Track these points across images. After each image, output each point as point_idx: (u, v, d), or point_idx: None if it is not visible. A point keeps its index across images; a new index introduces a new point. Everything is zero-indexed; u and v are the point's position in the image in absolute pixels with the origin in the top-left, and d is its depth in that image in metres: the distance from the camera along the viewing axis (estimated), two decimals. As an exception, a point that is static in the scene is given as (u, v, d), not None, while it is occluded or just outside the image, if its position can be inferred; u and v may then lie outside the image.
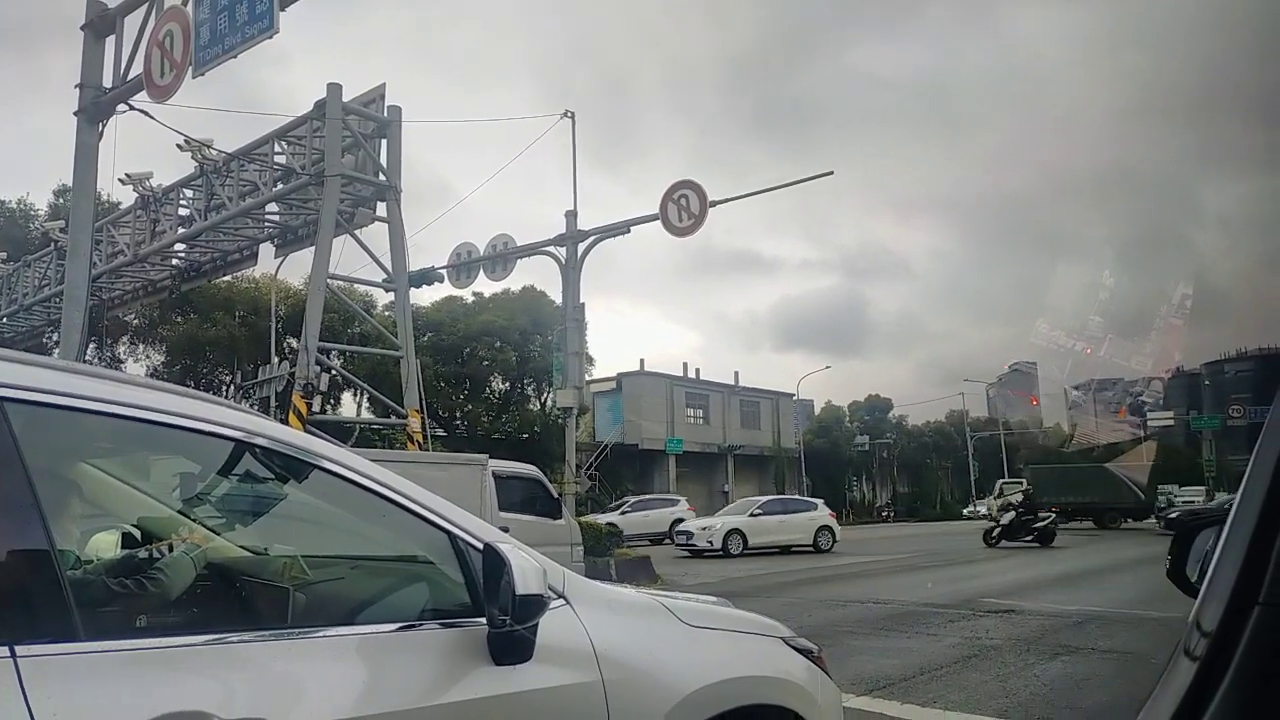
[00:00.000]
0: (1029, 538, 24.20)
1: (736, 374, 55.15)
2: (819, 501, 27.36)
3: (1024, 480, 40.80)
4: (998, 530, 24.79)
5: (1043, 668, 7.43)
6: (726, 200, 20.83)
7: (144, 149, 20.21)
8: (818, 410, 65.43)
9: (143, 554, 2.07)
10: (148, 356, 36.82)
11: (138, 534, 2.19)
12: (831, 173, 22.63)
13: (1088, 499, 39.47)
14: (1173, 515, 31.92)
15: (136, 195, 20.03)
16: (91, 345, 31.46)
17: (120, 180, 19.09)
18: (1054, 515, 25.87)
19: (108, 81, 15.30)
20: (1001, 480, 44.06)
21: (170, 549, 2.04)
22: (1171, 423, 63.04)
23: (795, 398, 57.93)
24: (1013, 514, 24.87)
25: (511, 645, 2.03)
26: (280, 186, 18.50)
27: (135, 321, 34.65)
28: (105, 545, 2.21)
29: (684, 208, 20.36)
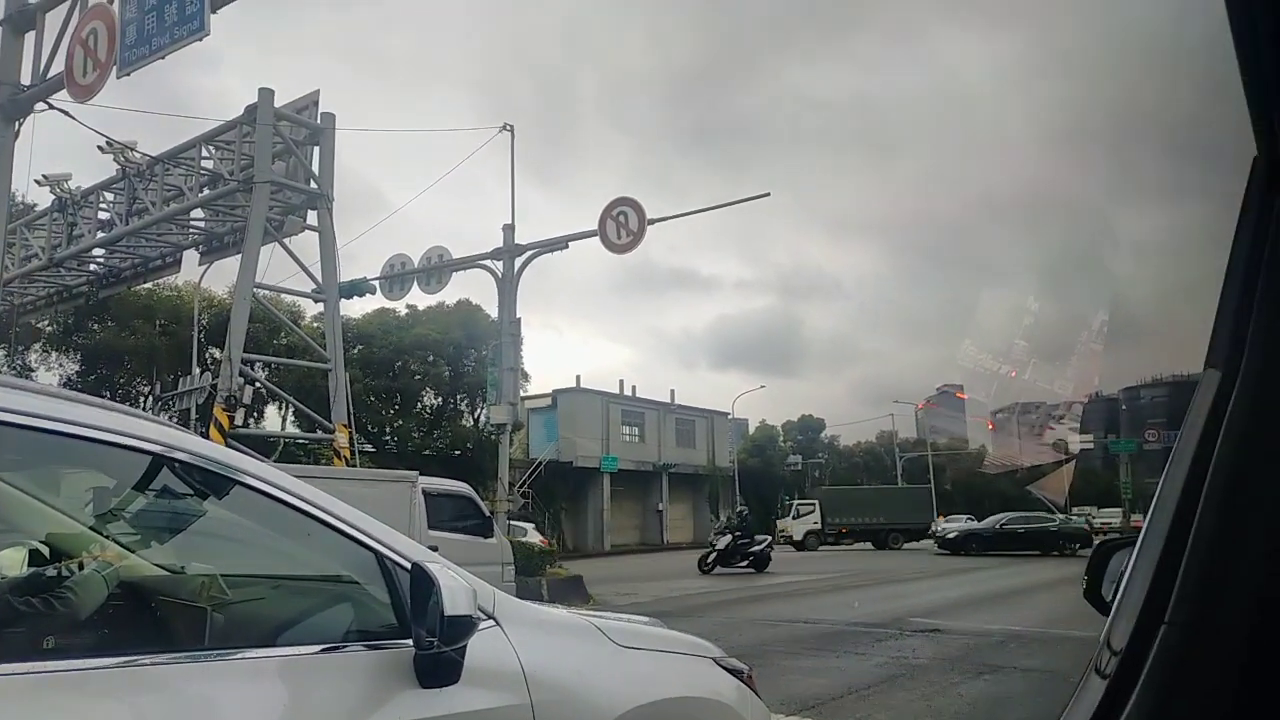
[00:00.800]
0: (744, 563, 23.13)
1: (673, 392, 55.47)
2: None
3: (816, 501, 42.26)
4: (713, 555, 23.72)
5: (967, 686, 7.59)
6: (666, 218, 21.00)
7: (63, 149, 19.47)
8: (752, 429, 66.08)
9: (51, 572, 1.98)
10: (61, 365, 35.38)
11: (46, 551, 2.10)
12: (769, 194, 22.88)
13: (875, 519, 41.48)
14: (950, 536, 33.59)
15: (54, 197, 19.28)
16: (1, 353, 30.14)
17: (37, 181, 18.36)
18: (769, 540, 25.24)
19: (26, 79, 14.75)
20: (797, 500, 44.49)
21: (81, 567, 1.96)
22: (1091, 446, 65.32)
23: (730, 416, 58.41)
24: (729, 539, 23.55)
25: (439, 667, 2.00)
26: (207, 192, 18.02)
27: (49, 328, 33.26)
28: (11, 562, 2.10)
29: (623, 225, 20.43)
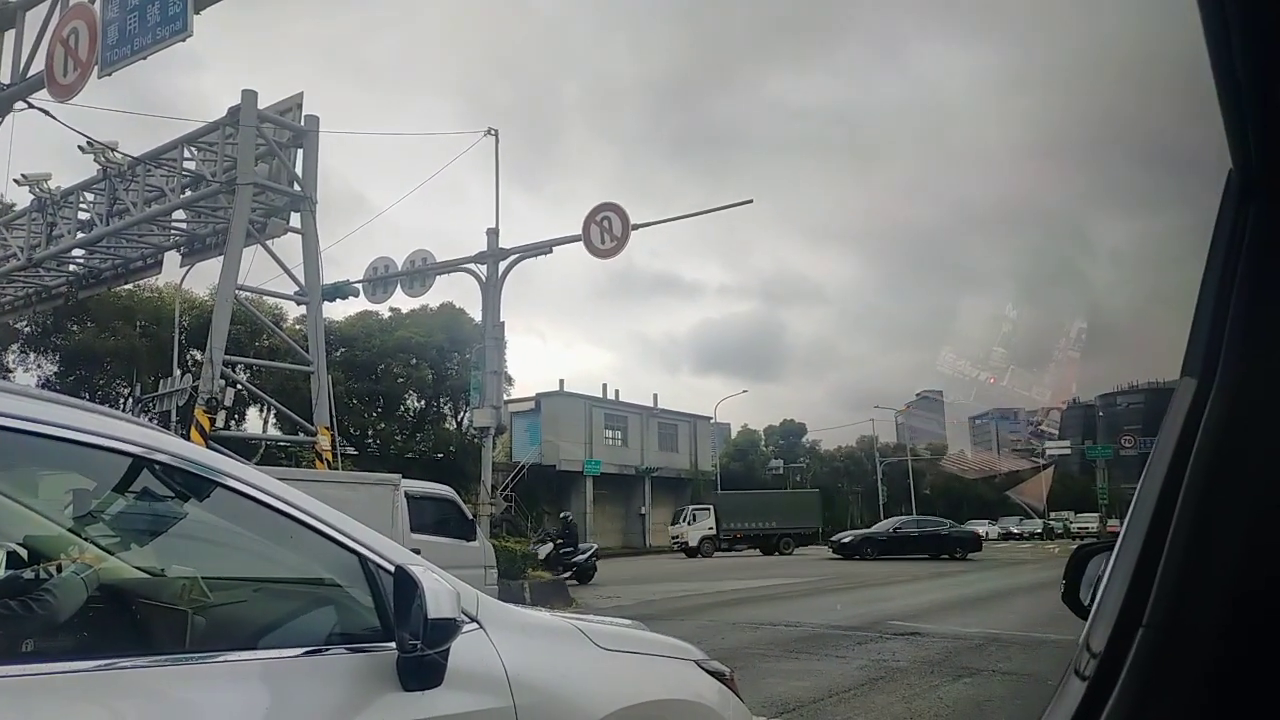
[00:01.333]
0: (566, 574, 21.24)
1: (655, 396, 55.45)
2: None
3: (711, 506, 41.33)
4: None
5: (946, 689, 7.63)
6: (649, 224, 21.05)
7: (43, 149, 19.30)
8: (734, 434, 66.24)
9: (29, 574, 1.97)
10: (39, 366, 34.99)
11: (24, 553, 2.08)
12: (751, 200, 23.03)
13: (768, 524, 41.19)
14: (845, 540, 33.78)
15: (33, 197, 19.09)
16: (-23, 353, 29.79)
17: (16, 181, 18.20)
18: (594, 549, 24.19)
19: (5, 78, 14.60)
20: (692, 506, 42.23)
21: (59, 569, 1.94)
22: (1068, 452, 65.87)
23: (713, 421, 58.51)
24: (550, 547, 22.23)
25: (422, 670, 1.99)
26: (189, 193, 17.89)
27: (27, 329, 32.92)
28: (-12, 565, 2.09)
29: (606, 230, 20.46)
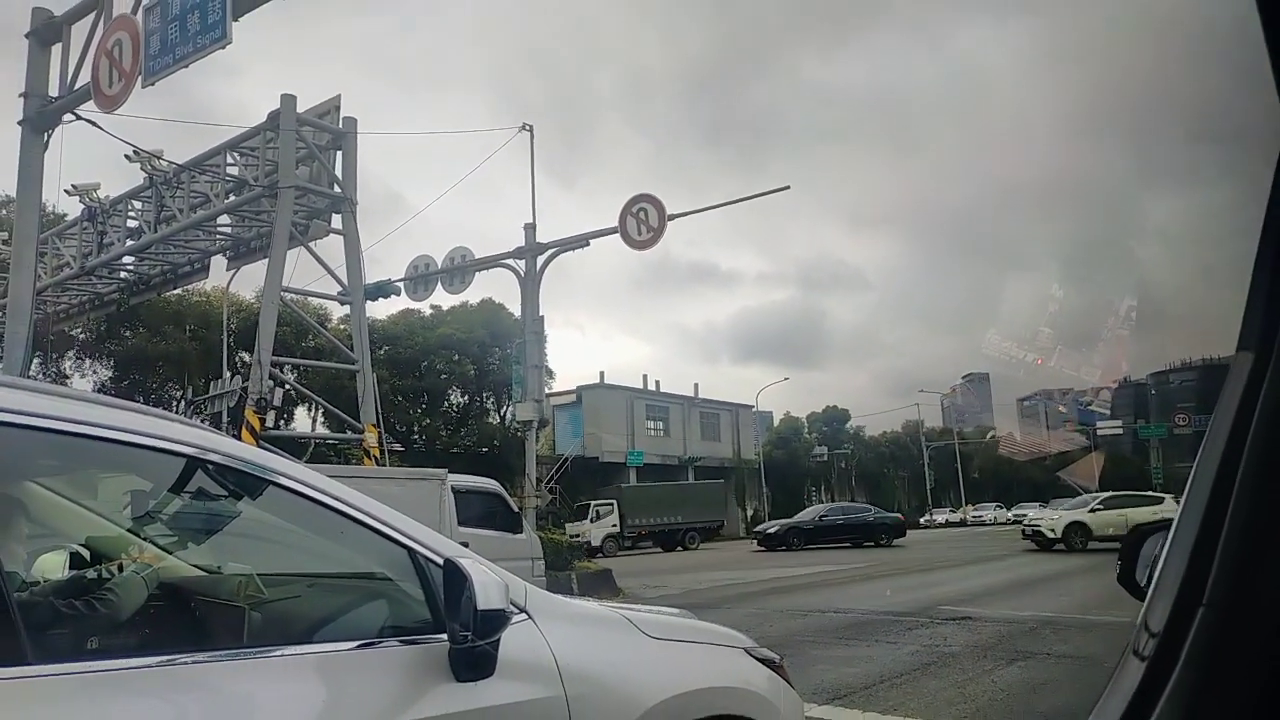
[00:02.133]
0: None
1: (696, 386, 55.45)
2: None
3: (614, 502, 37.87)
4: None
5: (1000, 674, 7.53)
6: (685, 214, 20.96)
7: (91, 160, 19.76)
8: (776, 422, 65.94)
9: (92, 574, 2.02)
10: (95, 372, 36.02)
11: (86, 554, 2.14)
12: (788, 187, 22.87)
13: (673, 519, 38.93)
14: (771, 531, 32.67)
15: (83, 207, 19.57)
16: (36, 360, 30.64)
17: (66, 191, 18.67)
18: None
19: (54, 91, 14.97)
20: (595, 502, 37.67)
21: (120, 569, 2.00)
22: (1120, 431, 64.55)
23: (754, 409, 58.32)
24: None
25: (473, 661, 2.02)
26: (232, 198, 18.22)
27: (82, 336, 33.83)
28: (53, 566, 2.15)
29: (643, 221, 20.43)
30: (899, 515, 36.30)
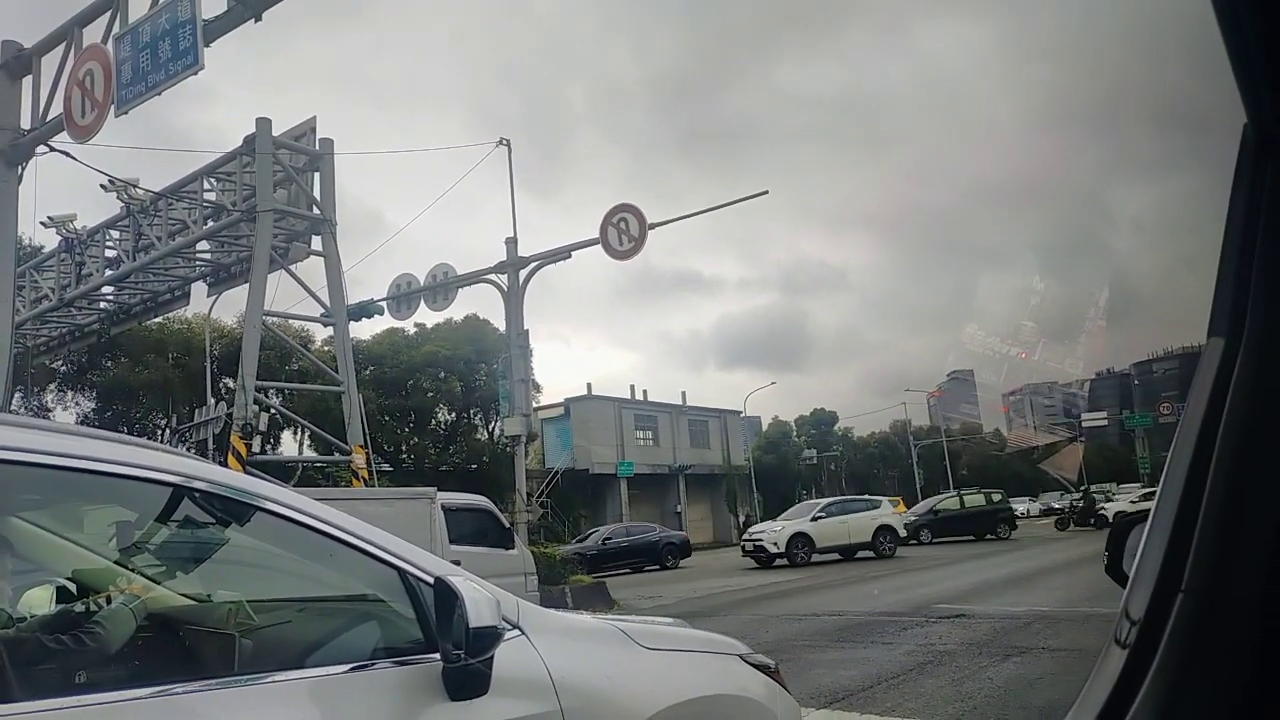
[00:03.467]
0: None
1: (684, 394, 55.40)
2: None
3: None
4: None
5: (995, 670, 7.56)
6: (666, 222, 21.00)
7: (67, 191, 19.65)
8: (765, 426, 66.00)
9: (79, 608, 2.00)
10: (77, 403, 35.68)
11: (73, 588, 2.12)
12: (767, 192, 22.93)
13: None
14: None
15: (60, 238, 19.43)
16: (17, 395, 30.33)
17: (42, 223, 18.50)
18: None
19: (26, 123, 14.88)
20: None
21: (108, 601, 1.98)
22: (1105, 423, 64.96)
23: (742, 415, 58.33)
24: None
25: (467, 679, 2.01)
26: (211, 224, 18.14)
27: (63, 368, 33.55)
28: (39, 601, 2.13)
29: (624, 231, 20.46)
30: (685, 535, 33.35)
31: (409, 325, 36.79)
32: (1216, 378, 0.84)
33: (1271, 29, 0.75)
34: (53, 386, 34.55)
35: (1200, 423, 0.84)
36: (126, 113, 13.20)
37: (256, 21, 12.43)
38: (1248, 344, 0.82)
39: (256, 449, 16.62)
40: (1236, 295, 0.85)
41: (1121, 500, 34.43)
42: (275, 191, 17.16)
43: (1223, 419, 0.82)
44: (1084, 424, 54.76)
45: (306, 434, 32.08)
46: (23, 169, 14.99)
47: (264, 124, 16.85)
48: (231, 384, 24.80)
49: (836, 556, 24.34)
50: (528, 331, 21.82)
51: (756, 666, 3.00)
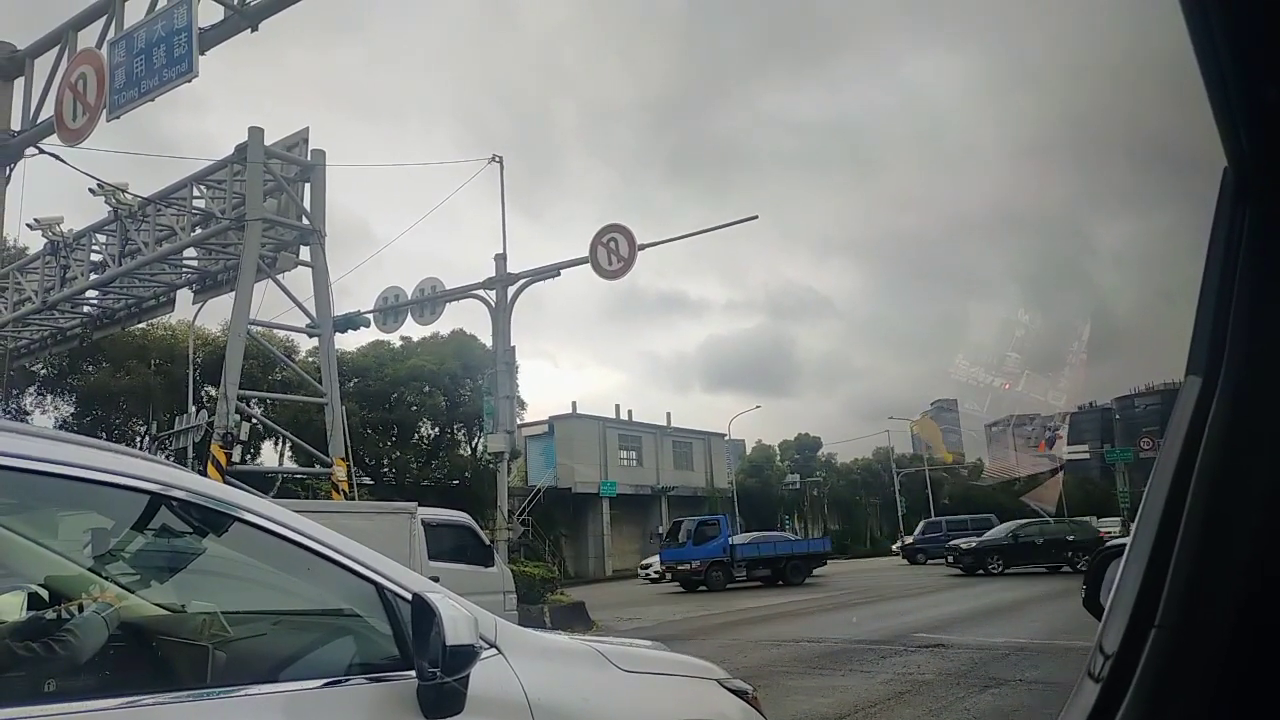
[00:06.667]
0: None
1: (669, 415, 55.35)
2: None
3: None
4: None
5: (973, 700, 7.55)
6: (655, 244, 21.08)
7: (55, 193, 19.57)
8: (749, 450, 65.99)
9: (50, 615, 1.98)
10: (56, 408, 35.30)
11: (45, 594, 2.10)
12: (756, 217, 23.07)
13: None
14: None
15: (46, 240, 19.30)
16: (-6, 397, 30.05)
17: (29, 225, 18.38)
18: None
19: (16, 124, 14.83)
20: None
21: (80, 609, 1.96)
22: (1087, 456, 65.20)
23: (727, 438, 58.33)
24: None
25: (442, 698, 1.99)
26: (199, 231, 18.06)
27: (43, 371, 33.22)
28: (9, 607, 2.10)
29: (613, 251, 20.52)
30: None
31: (395, 338, 36.66)
32: (1193, 415, 0.85)
33: (1245, 73, 0.77)
34: (32, 390, 34.19)
35: (1177, 459, 0.85)
36: (119, 117, 13.19)
37: (253, 31, 12.47)
38: (1224, 383, 0.84)
39: (236, 459, 16.46)
40: (1214, 335, 0.86)
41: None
42: (265, 201, 17.13)
43: (1199, 457, 0.83)
44: (1066, 457, 55.00)
45: (287, 445, 31.82)
46: (11, 170, 14.93)
47: (256, 133, 16.83)
48: (213, 392, 24.64)
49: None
50: (514, 348, 21.80)
51: (734, 691, 2.99)
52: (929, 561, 37.30)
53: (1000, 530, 30.14)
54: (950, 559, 29.15)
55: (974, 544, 28.53)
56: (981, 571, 26.83)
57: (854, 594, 21.74)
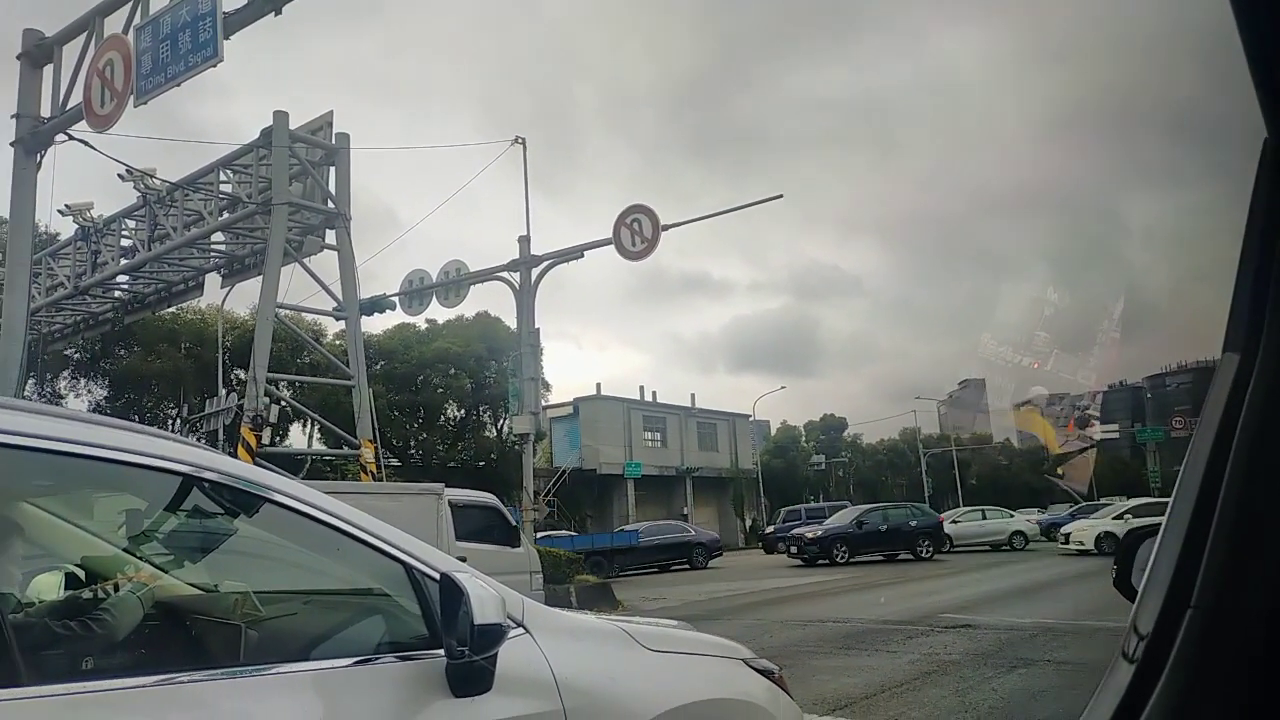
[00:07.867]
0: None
1: (693, 396, 55.34)
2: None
3: None
4: None
5: (1000, 681, 7.52)
6: (678, 224, 21.01)
7: (85, 179, 19.79)
8: (774, 431, 65.90)
9: (87, 594, 2.02)
10: (89, 391, 35.97)
11: (82, 574, 2.14)
12: (781, 196, 22.89)
13: None
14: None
15: (77, 226, 19.59)
16: (30, 381, 30.58)
17: (60, 211, 18.69)
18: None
19: (46, 111, 14.99)
20: None
21: (116, 588, 1.99)
22: (1117, 435, 64.48)
23: (751, 419, 58.28)
24: None
25: (471, 676, 2.01)
26: (226, 215, 18.24)
27: (76, 355, 33.79)
28: (48, 587, 2.14)
29: (636, 232, 20.47)
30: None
31: (420, 321, 36.89)
32: (1231, 393, 0.83)
33: None
34: (66, 374, 34.80)
35: (1213, 438, 0.83)
36: (145, 103, 13.30)
37: (276, 15, 12.49)
38: (1263, 360, 0.82)
39: (266, 441, 16.68)
40: (1253, 311, 0.84)
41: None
42: (291, 185, 17.25)
43: (1236, 435, 0.81)
44: (1096, 436, 54.41)
45: (316, 427, 32.20)
46: (41, 157, 15.11)
47: (281, 117, 16.93)
48: (243, 375, 24.95)
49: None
50: (538, 330, 21.87)
51: (760, 671, 2.99)
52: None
53: (843, 517, 29.16)
54: (794, 549, 27.83)
55: (819, 532, 27.44)
56: (825, 561, 25.99)
57: (878, 573, 21.70)
